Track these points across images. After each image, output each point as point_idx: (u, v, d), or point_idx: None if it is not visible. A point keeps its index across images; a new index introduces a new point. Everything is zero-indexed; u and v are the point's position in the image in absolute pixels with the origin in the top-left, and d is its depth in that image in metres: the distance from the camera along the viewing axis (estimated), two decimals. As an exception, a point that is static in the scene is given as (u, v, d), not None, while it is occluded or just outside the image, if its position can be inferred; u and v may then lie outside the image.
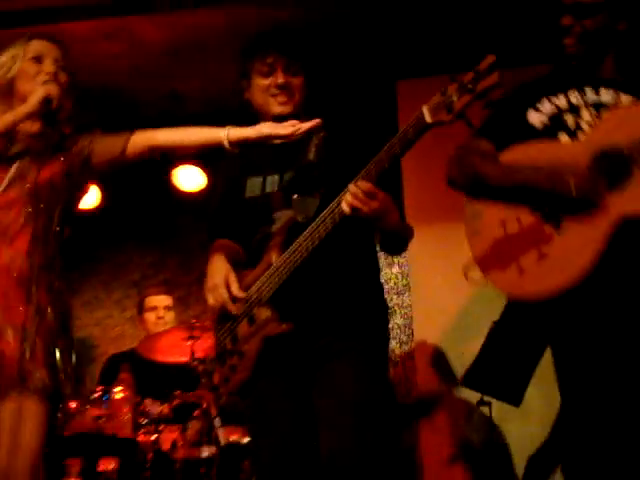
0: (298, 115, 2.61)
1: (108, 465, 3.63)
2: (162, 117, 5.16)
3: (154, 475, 3.85)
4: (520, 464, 3.96)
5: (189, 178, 5.36)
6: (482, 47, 4.12)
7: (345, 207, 2.25)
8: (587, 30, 2.50)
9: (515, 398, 3.41)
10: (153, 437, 3.90)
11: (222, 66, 4.16)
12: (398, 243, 2.60)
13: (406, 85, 4.76)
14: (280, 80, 2.60)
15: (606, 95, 2.49)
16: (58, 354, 2.40)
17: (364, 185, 2.23)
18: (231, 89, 2.94)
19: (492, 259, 2.50)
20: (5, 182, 2.49)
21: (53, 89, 2.48)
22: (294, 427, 2.49)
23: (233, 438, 3.82)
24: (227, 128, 2.43)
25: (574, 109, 2.50)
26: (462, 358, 4.10)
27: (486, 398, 3.81)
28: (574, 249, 2.32)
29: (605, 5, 2.49)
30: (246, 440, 3.80)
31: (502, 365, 3.45)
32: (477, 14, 4.29)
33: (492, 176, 2.52)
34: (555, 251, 2.36)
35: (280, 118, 2.59)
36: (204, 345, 3.94)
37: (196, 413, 3.97)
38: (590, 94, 2.51)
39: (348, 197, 2.24)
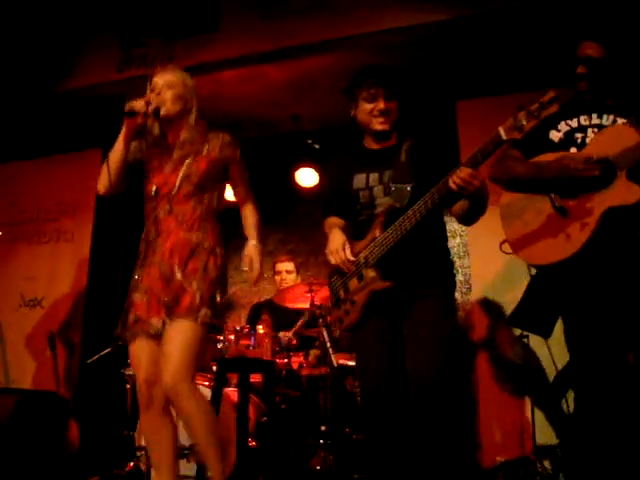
0: (392, 131, 2.68)
1: (256, 378, 3.78)
2: (287, 134, 5.34)
3: (287, 386, 4.00)
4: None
5: (306, 177, 5.36)
6: (527, 72, 4.07)
7: (452, 185, 2.29)
8: (596, 77, 2.51)
9: (546, 332, 3.39)
10: (285, 360, 4.00)
11: (330, 95, 4.20)
12: (478, 214, 2.56)
13: (464, 105, 4.65)
14: (381, 106, 2.60)
15: (607, 119, 2.51)
16: (218, 298, 2.55)
17: (468, 170, 2.28)
18: (336, 112, 2.98)
19: (518, 237, 2.55)
20: (178, 182, 2.59)
21: (135, 103, 2.54)
22: (389, 351, 2.53)
23: (341, 361, 3.88)
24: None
25: (582, 129, 2.53)
26: (507, 304, 4.15)
27: (525, 332, 3.83)
28: (577, 230, 2.38)
29: (609, 59, 2.49)
30: (350, 363, 3.87)
31: (537, 308, 3.44)
32: (523, 43, 4.16)
33: (520, 172, 2.57)
34: (563, 232, 2.41)
35: (380, 134, 2.67)
36: (320, 296, 3.99)
37: (316, 343, 4.07)
38: (595, 118, 2.53)
39: (456, 178, 2.28)
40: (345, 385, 3.98)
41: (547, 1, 3.88)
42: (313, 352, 4.07)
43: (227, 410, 3.60)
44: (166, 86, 2.63)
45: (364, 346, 2.62)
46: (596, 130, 2.51)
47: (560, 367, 3.56)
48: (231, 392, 3.75)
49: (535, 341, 3.84)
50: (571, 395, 3.14)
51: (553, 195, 2.47)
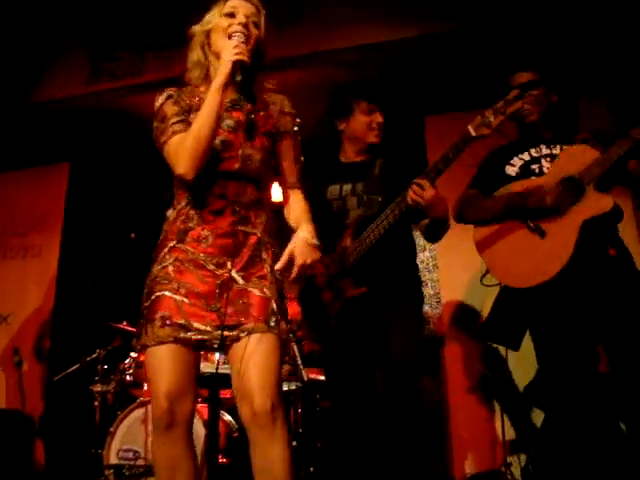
0: (379, 144, 2.74)
1: (226, 394, 3.74)
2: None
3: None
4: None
5: (275, 191, 5.37)
6: (494, 87, 4.12)
7: (408, 199, 2.36)
8: (534, 96, 2.62)
9: (515, 345, 3.41)
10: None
11: (302, 110, 4.20)
12: (440, 231, 2.63)
13: (433, 120, 4.70)
14: (380, 119, 2.69)
15: (554, 149, 2.60)
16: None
17: (422, 181, 2.34)
18: (308, 125, 2.95)
19: (502, 265, 2.57)
20: (240, 160, 1.99)
21: (241, 49, 1.90)
22: (359, 367, 2.58)
23: (312, 376, 3.87)
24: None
25: (536, 160, 2.62)
26: (477, 316, 4.18)
27: (494, 345, 3.86)
28: (557, 248, 2.42)
29: (541, 81, 2.63)
30: (321, 378, 3.85)
31: (505, 321, 3.46)
32: (489, 59, 4.16)
33: (488, 207, 2.61)
34: (545, 252, 2.45)
35: (368, 147, 2.73)
36: (291, 310, 3.94)
37: (286, 358, 3.92)
38: (545, 149, 2.62)
39: (410, 191, 2.35)
40: (316, 400, 3.96)
41: (512, 21, 3.95)
42: (284, 367, 4.01)
43: (197, 426, 3.56)
44: (251, 22, 2.02)
45: (335, 362, 2.66)
46: (549, 159, 2.59)
47: (522, 380, 3.59)
48: (201, 408, 3.68)
49: (505, 353, 3.84)
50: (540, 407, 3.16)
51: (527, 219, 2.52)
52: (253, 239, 1.99)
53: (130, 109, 4.76)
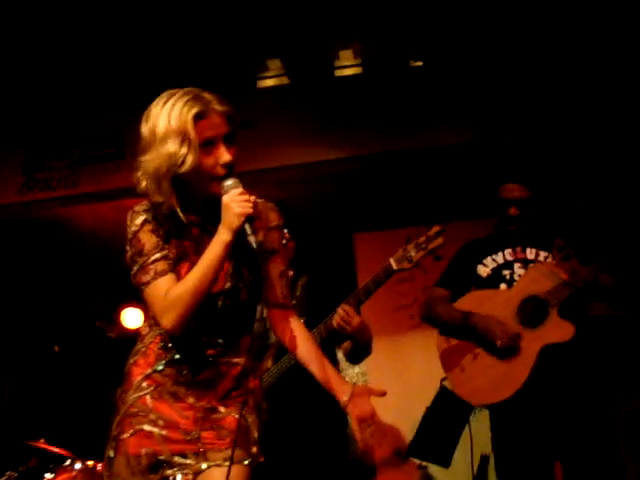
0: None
1: None
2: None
3: None
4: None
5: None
6: (423, 207, 4.23)
7: (334, 323, 2.40)
8: (526, 216, 2.66)
9: (445, 462, 3.39)
10: None
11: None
12: (362, 355, 2.67)
13: (361, 237, 4.83)
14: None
15: (530, 253, 2.67)
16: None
17: (348, 309, 2.39)
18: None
19: (455, 374, 2.63)
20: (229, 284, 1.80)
21: (248, 207, 1.64)
22: None
23: None
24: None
25: (509, 265, 2.68)
26: (406, 433, 4.13)
27: (424, 463, 3.81)
28: (514, 371, 2.47)
29: (533, 199, 2.67)
30: None
31: (434, 439, 3.44)
32: (415, 181, 4.37)
33: (446, 318, 2.67)
34: (500, 373, 2.50)
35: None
36: None
37: None
38: (519, 252, 2.69)
39: (337, 317, 2.39)
40: None
41: (438, 146, 4.15)
42: None
43: None
44: (231, 143, 1.72)
45: None
46: (521, 265, 2.65)
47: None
48: None
49: (435, 470, 3.81)
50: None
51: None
52: (236, 370, 1.84)
53: (62, 220, 4.71)
